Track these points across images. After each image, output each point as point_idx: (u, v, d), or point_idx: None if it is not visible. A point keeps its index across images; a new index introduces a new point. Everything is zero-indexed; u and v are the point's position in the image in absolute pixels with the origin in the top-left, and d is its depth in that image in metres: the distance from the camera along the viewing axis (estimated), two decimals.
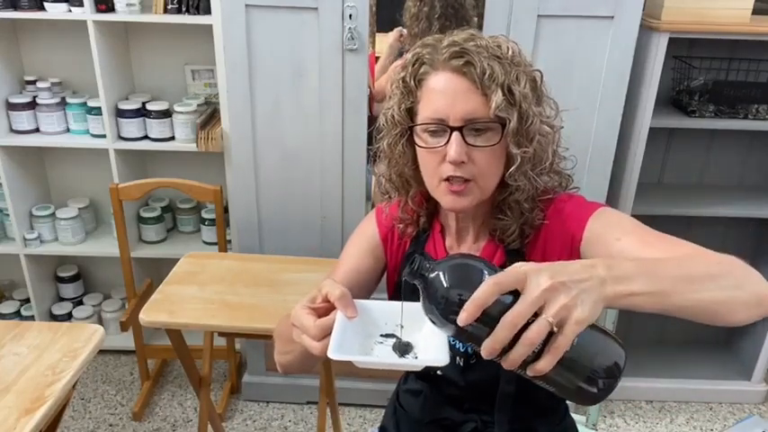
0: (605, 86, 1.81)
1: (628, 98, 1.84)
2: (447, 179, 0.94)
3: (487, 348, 0.61)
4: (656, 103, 1.93)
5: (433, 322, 0.68)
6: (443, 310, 0.65)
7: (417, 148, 0.97)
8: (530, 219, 0.99)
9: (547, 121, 0.96)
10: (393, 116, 0.98)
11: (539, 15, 1.74)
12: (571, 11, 1.74)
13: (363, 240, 1.12)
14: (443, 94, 0.91)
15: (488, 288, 0.61)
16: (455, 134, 0.91)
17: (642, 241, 0.87)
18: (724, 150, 2.27)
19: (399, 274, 1.11)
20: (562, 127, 1.00)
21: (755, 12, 1.89)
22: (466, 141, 0.91)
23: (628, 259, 0.79)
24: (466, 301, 0.61)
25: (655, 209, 2.10)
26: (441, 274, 0.67)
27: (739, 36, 1.91)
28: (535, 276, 0.61)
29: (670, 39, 1.84)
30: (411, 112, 0.97)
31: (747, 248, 2.41)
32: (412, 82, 0.95)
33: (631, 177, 2.00)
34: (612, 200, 2.01)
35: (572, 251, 0.96)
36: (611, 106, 1.84)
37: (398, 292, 1.12)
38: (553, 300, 0.59)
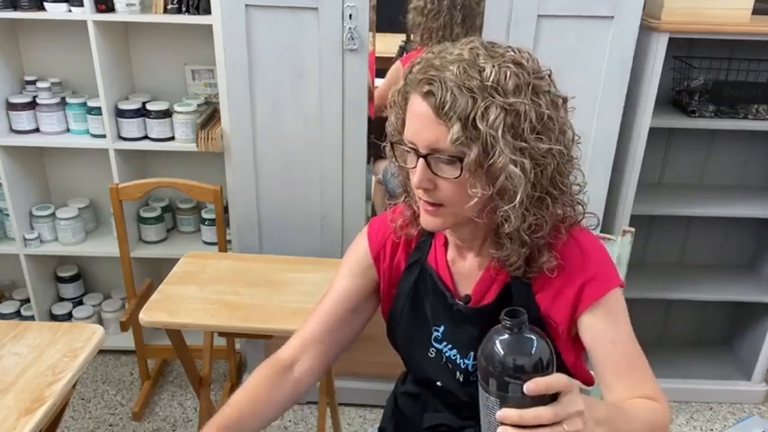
0: (605, 86, 1.81)
1: (628, 98, 1.84)
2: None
3: (510, 417, 0.72)
4: (656, 103, 1.93)
5: (486, 369, 0.74)
6: (503, 368, 0.74)
7: None
8: (537, 257, 0.95)
9: (519, 160, 0.85)
10: (391, 124, 0.97)
11: (539, 15, 1.74)
12: (571, 11, 1.74)
13: (354, 262, 1.12)
14: (415, 118, 0.88)
15: (563, 384, 0.73)
16: (420, 161, 0.88)
17: (619, 366, 0.96)
18: (724, 150, 2.26)
19: (397, 287, 1.10)
20: (576, 158, 0.94)
21: (755, 12, 1.89)
22: (431, 169, 0.89)
23: (610, 407, 0.88)
24: (521, 367, 0.73)
25: (655, 209, 2.10)
26: (519, 339, 0.75)
27: (739, 36, 1.91)
28: (578, 397, 0.74)
29: (670, 39, 1.84)
30: (404, 125, 0.95)
31: (747, 248, 2.41)
32: (400, 97, 0.93)
33: (631, 177, 2.00)
34: (612, 200, 2.01)
35: (574, 313, 0.97)
36: (611, 106, 1.84)
37: (396, 306, 1.11)
38: (573, 423, 0.73)
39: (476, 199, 0.88)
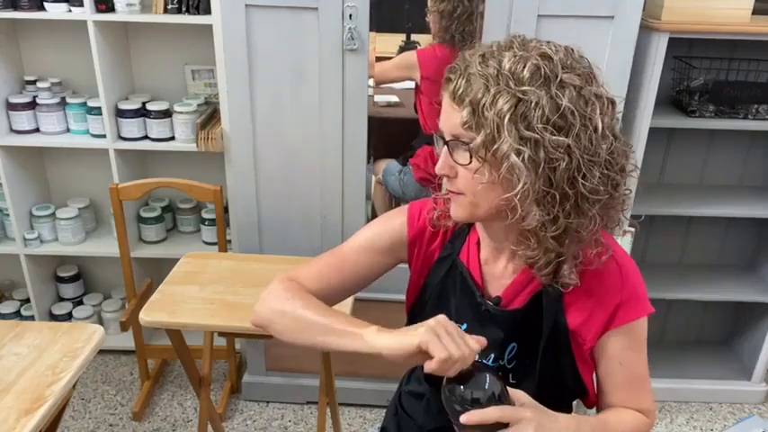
0: (605, 87, 1.81)
1: (628, 98, 1.84)
2: None
3: None
4: (656, 103, 1.93)
5: (448, 399, 0.86)
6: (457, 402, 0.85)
7: None
8: (560, 268, 0.94)
9: (525, 150, 0.83)
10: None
11: (539, 15, 1.74)
12: (571, 11, 1.74)
13: (383, 237, 1.09)
14: (442, 106, 0.92)
15: (500, 415, 0.83)
16: (444, 147, 0.91)
17: (618, 381, 1.02)
18: (724, 150, 2.26)
19: (426, 278, 1.10)
20: (631, 171, 0.93)
21: (755, 12, 1.89)
22: (452, 156, 0.90)
23: (595, 425, 0.99)
24: (478, 400, 0.84)
25: (655, 209, 2.10)
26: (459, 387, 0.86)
27: (739, 36, 1.91)
28: (525, 425, 0.84)
29: (670, 39, 1.84)
30: None
31: (747, 248, 2.41)
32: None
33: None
34: None
35: (606, 327, 0.98)
36: None
37: (421, 297, 1.11)
38: None
39: (480, 186, 0.88)
